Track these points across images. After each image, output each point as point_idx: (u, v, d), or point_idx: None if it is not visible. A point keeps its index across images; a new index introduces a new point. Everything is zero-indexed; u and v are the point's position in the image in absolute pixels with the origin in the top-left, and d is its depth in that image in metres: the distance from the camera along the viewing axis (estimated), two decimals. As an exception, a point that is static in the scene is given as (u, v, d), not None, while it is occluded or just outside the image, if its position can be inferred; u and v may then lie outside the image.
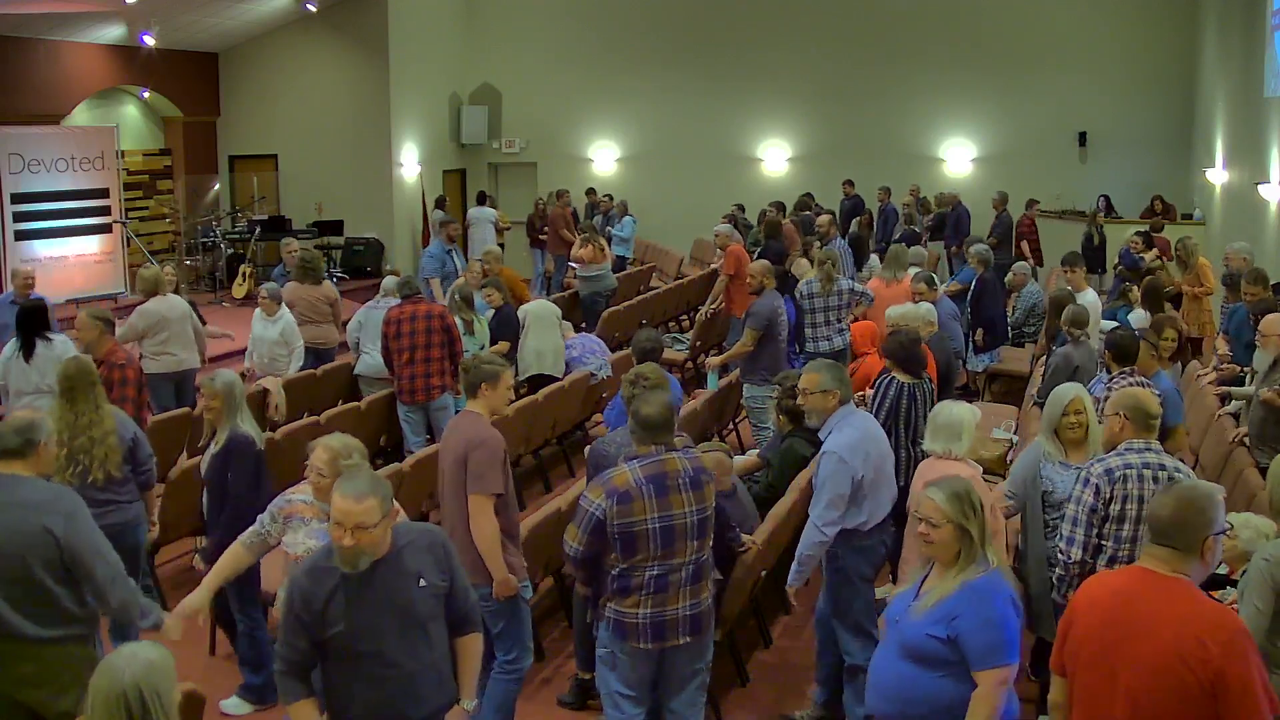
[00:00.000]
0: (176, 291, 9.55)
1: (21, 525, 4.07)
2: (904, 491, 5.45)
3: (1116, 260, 13.16)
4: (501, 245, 16.56)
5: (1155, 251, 12.19)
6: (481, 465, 4.69)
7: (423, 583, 3.58)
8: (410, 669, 3.55)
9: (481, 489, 4.69)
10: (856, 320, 9.05)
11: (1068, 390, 5.14)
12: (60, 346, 7.34)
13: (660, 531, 4.20)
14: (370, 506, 3.43)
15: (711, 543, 4.43)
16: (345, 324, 10.05)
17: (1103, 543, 4.48)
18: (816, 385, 5.18)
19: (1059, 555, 4.57)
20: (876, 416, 6.21)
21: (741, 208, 16.13)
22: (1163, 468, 4.50)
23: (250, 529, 4.60)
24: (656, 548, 4.21)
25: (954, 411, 5.06)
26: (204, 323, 9.56)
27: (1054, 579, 4.69)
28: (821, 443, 5.23)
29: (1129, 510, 4.44)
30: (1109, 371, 6.38)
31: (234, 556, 4.62)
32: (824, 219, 12.67)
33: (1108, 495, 4.45)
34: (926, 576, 3.60)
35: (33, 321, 7.43)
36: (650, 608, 4.24)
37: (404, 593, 3.53)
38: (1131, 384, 5.94)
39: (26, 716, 4.15)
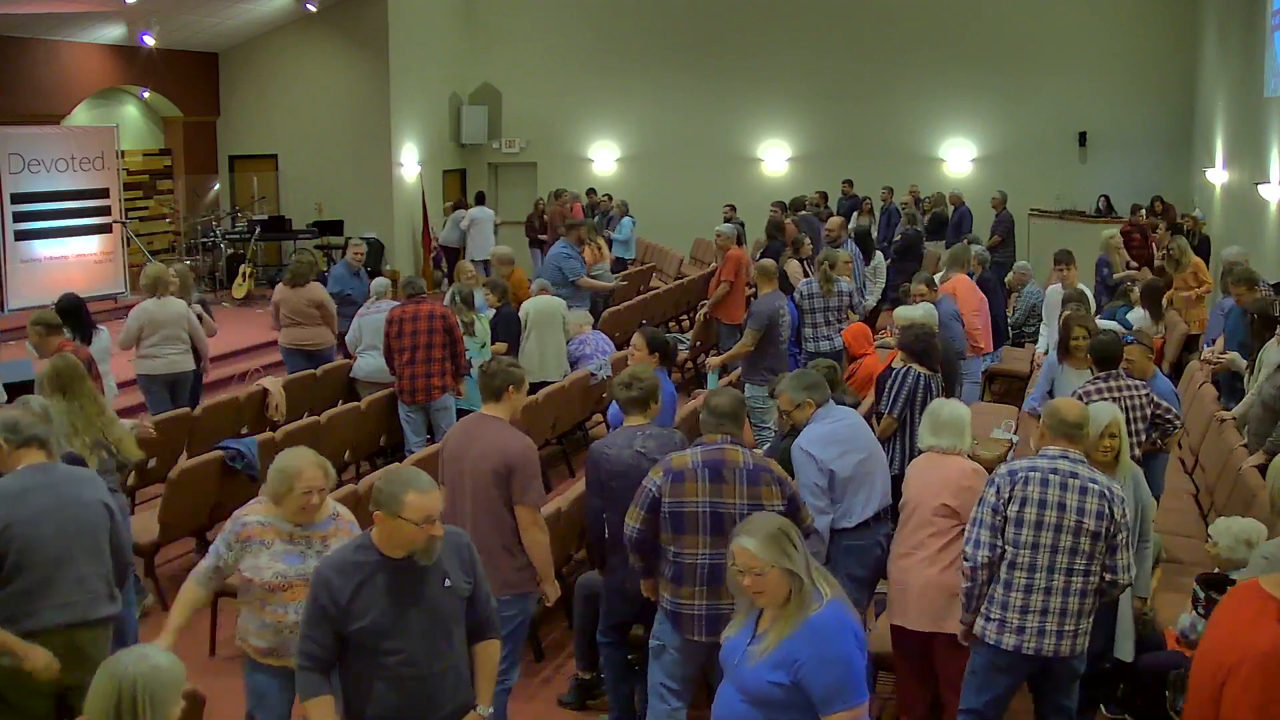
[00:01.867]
0: (186, 292, 9.50)
1: (88, 500, 4.37)
2: None
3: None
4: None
5: (1164, 250, 12.14)
6: (528, 478, 4.75)
7: (448, 583, 3.60)
8: (430, 670, 3.56)
9: (530, 500, 4.76)
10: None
11: (1104, 411, 4.87)
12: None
13: (710, 516, 4.33)
14: (439, 493, 3.54)
15: None
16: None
17: (1003, 546, 4.29)
18: (789, 404, 5.38)
19: (963, 562, 4.38)
20: (893, 406, 6.26)
21: (733, 208, 16.09)
22: (1074, 475, 4.26)
23: (203, 565, 4.22)
24: (706, 533, 4.33)
25: (956, 409, 5.09)
26: (213, 319, 9.58)
27: (961, 591, 4.43)
28: None
29: (1026, 514, 4.25)
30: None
31: (192, 595, 4.24)
32: (834, 221, 12.64)
33: (1007, 495, 4.27)
34: (760, 613, 3.35)
35: (72, 317, 7.62)
36: (705, 599, 4.35)
37: (432, 591, 3.56)
38: (1104, 388, 5.94)
39: (51, 701, 4.27)
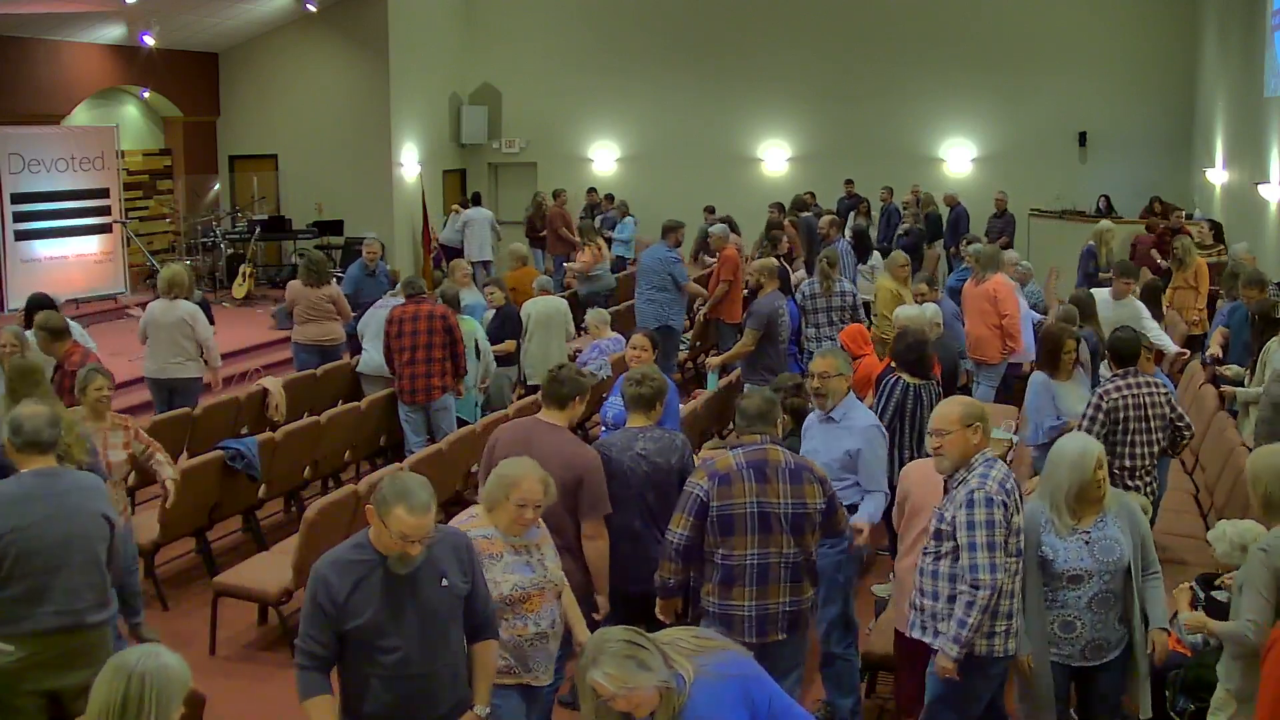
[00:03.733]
0: (189, 292, 9.48)
1: (88, 509, 4.35)
2: None
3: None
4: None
5: (1220, 247, 12.05)
6: (598, 491, 4.76)
7: (445, 582, 3.60)
8: (427, 670, 3.56)
9: (599, 513, 4.77)
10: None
11: (1089, 446, 4.39)
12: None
13: (758, 517, 4.35)
14: (432, 513, 3.51)
15: (814, 547, 4.48)
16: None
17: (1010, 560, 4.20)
18: (836, 369, 5.38)
19: (974, 591, 4.10)
20: (881, 416, 6.23)
21: (711, 209, 15.94)
22: (1009, 476, 4.30)
23: None
24: (754, 533, 4.35)
25: None
26: (211, 322, 9.54)
27: (961, 625, 4.16)
28: None
29: (1015, 521, 4.21)
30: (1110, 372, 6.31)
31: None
32: (824, 220, 12.65)
33: (1012, 509, 4.18)
34: None
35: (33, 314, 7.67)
36: (754, 600, 4.36)
37: (429, 591, 3.56)
38: (1122, 385, 5.89)
39: (43, 701, 4.26)
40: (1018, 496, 4.26)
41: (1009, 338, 9.12)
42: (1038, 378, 6.58)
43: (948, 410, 4.39)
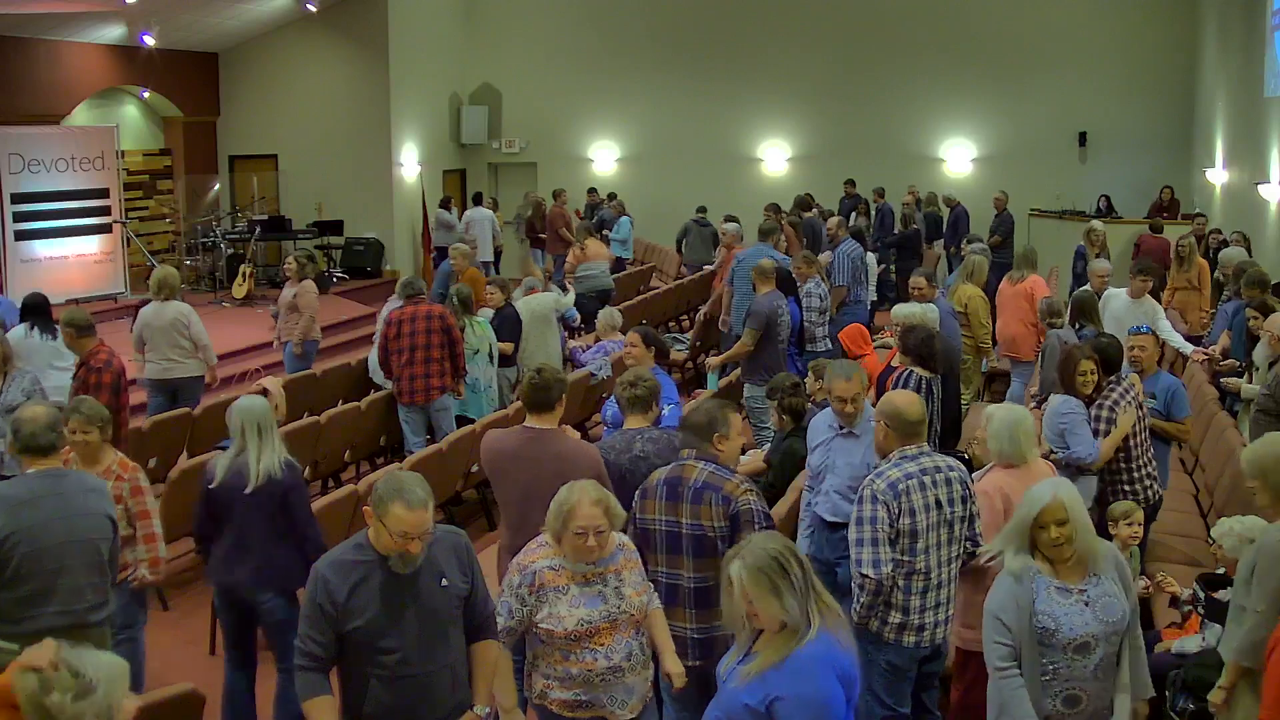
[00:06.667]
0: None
1: (93, 510, 4.39)
2: None
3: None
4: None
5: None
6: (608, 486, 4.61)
7: (445, 583, 3.59)
8: (427, 670, 3.56)
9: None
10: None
11: (1039, 493, 3.79)
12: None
13: (666, 536, 4.25)
14: (430, 509, 3.50)
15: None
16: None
17: (900, 558, 4.23)
18: (861, 384, 5.28)
19: (855, 578, 4.26)
20: None
21: (703, 209, 15.92)
22: (938, 470, 4.33)
23: (500, 627, 3.87)
24: (663, 552, 4.26)
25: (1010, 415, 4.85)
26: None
27: (854, 611, 4.26)
28: None
29: (918, 523, 4.22)
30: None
31: (508, 664, 3.96)
32: (833, 221, 12.61)
33: (897, 510, 4.21)
34: (760, 633, 3.20)
35: (33, 312, 7.85)
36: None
37: (428, 591, 3.56)
38: (1121, 390, 5.89)
39: None
40: (919, 499, 4.24)
41: (1044, 336, 9.13)
42: (1071, 403, 5.85)
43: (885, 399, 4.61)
